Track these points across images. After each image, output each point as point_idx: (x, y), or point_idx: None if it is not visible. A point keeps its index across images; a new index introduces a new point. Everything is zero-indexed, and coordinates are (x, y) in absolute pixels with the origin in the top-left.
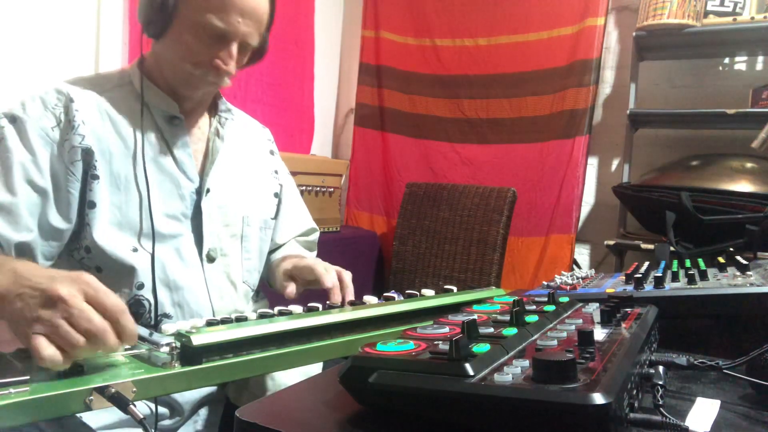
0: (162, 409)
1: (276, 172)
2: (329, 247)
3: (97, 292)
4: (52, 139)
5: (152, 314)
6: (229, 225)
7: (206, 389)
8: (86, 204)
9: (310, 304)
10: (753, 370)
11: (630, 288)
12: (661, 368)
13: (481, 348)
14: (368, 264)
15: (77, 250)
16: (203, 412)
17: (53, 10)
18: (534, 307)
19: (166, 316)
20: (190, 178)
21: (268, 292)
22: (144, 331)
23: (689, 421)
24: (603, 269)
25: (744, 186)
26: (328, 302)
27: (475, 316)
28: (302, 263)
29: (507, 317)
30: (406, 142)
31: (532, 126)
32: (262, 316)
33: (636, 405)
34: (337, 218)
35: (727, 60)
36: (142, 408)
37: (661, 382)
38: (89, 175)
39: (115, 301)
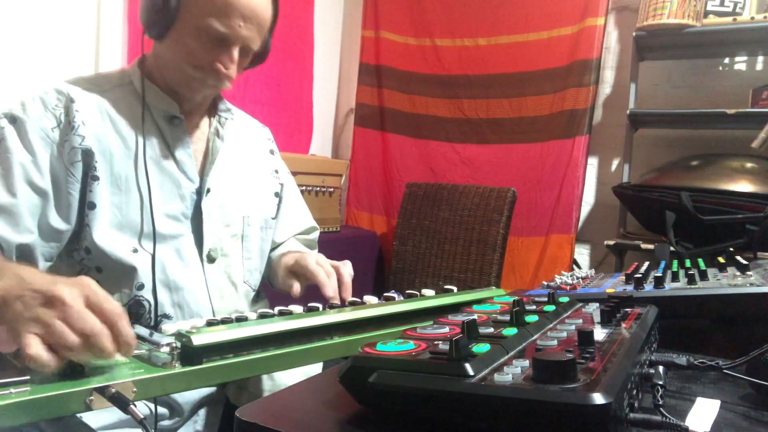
0: (162, 410)
1: (276, 171)
2: (329, 247)
3: (97, 296)
4: (52, 140)
5: (152, 315)
6: (229, 225)
7: (206, 389)
8: (86, 205)
9: (310, 304)
10: (753, 370)
11: (630, 288)
12: (661, 368)
13: (481, 348)
14: (368, 264)
15: (77, 251)
16: (203, 412)
17: (53, 10)
18: (534, 307)
19: (166, 316)
20: (191, 178)
21: (268, 292)
22: (144, 331)
23: (689, 421)
24: (603, 269)
25: (744, 186)
26: (328, 303)
27: (475, 316)
28: (303, 262)
29: (507, 317)
30: (406, 142)
31: (532, 126)
32: (262, 316)
33: (636, 405)
34: (337, 218)
35: (727, 60)
36: (142, 408)
37: (661, 382)
38: (89, 176)
39: (114, 305)
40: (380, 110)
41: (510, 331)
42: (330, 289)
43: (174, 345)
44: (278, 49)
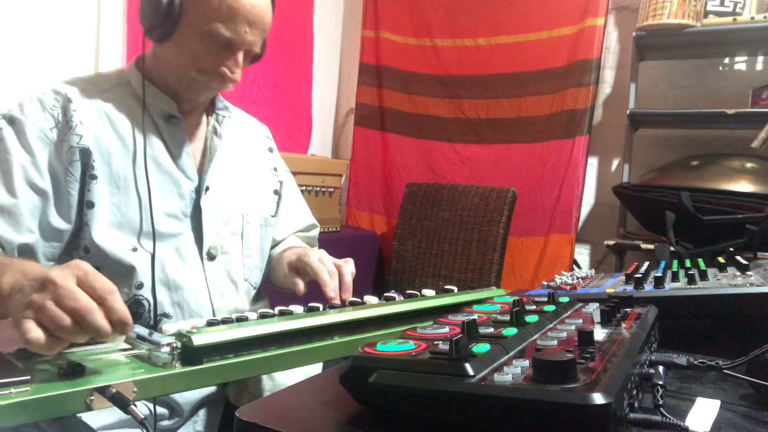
0: (162, 410)
1: (275, 169)
2: (329, 247)
3: (87, 275)
4: (51, 140)
5: (152, 314)
6: (229, 223)
7: (206, 389)
8: (85, 204)
9: (310, 304)
10: (753, 370)
11: (630, 288)
12: (661, 368)
13: (481, 348)
14: (368, 264)
15: (76, 250)
16: (203, 412)
17: (53, 10)
18: (534, 307)
19: (166, 315)
20: (189, 176)
21: (268, 291)
22: (143, 331)
23: (689, 421)
24: (603, 269)
25: (744, 186)
26: (328, 303)
27: (475, 316)
28: (305, 258)
29: (507, 317)
30: (406, 142)
31: (532, 126)
32: (262, 316)
33: (636, 405)
34: (337, 218)
35: (727, 60)
36: (142, 408)
37: (661, 382)
38: (87, 175)
39: (104, 282)
40: (380, 110)
41: (510, 331)
42: (331, 290)
43: (174, 345)
44: (277, 49)
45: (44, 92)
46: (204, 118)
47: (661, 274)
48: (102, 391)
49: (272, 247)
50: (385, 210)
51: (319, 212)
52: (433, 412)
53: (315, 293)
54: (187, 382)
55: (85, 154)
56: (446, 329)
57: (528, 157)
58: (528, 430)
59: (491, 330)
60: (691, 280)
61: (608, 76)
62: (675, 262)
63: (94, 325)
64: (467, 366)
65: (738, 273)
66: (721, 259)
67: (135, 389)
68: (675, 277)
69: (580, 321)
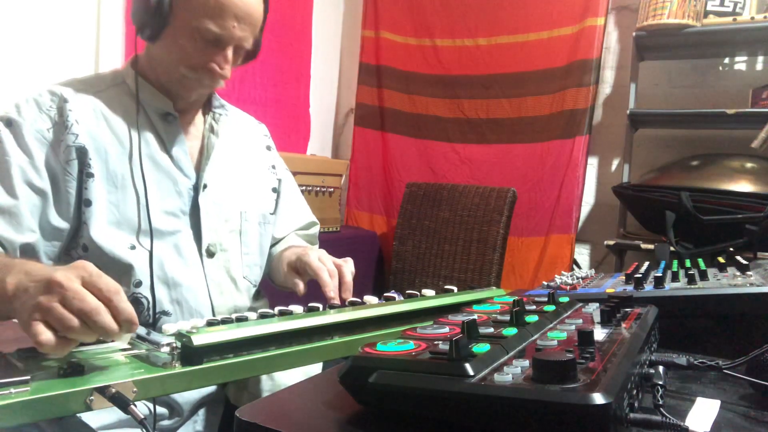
0: (162, 409)
1: (273, 167)
2: (329, 247)
3: (92, 275)
4: (48, 140)
5: (151, 312)
6: (227, 220)
7: (206, 389)
8: (82, 202)
9: (310, 304)
10: (753, 370)
11: (630, 288)
12: (661, 368)
13: (481, 348)
14: (368, 264)
15: (75, 249)
16: (203, 412)
17: (53, 10)
18: (534, 307)
19: (165, 313)
20: (187, 174)
21: (268, 291)
22: (142, 331)
23: (689, 421)
24: (603, 269)
25: (744, 186)
26: (328, 303)
27: (475, 316)
28: (305, 258)
29: (507, 317)
30: (406, 142)
31: (532, 126)
32: (262, 316)
33: (636, 405)
34: (337, 218)
35: (727, 60)
36: (142, 408)
37: (661, 382)
38: (84, 174)
39: (109, 282)
40: (380, 110)
41: (510, 331)
42: (331, 290)
43: (174, 345)
44: (275, 49)
45: (40, 93)
46: (201, 117)
47: (661, 274)
48: (102, 391)
49: (272, 246)
50: (385, 210)
51: (319, 212)
52: (433, 412)
53: (315, 293)
54: (187, 382)
55: (82, 153)
56: (446, 329)
57: (528, 157)
58: (528, 430)
59: (491, 330)
60: (691, 280)
61: (608, 76)
62: (675, 262)
63: (102, 325)
64: (467, 366)
65: (738, 273)
66: (721, 259)
67: (135, 389)
68: (675, 277)
69: (580, 321)
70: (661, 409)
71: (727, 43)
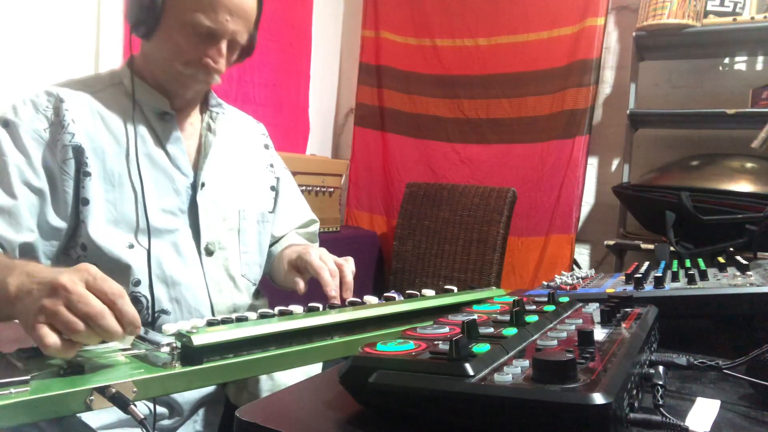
0: (162, 409)
1: (271, 165)
2: (329, 248)
3: (96, 279)
4: (45, 140)
5: (150, 310)
6: (225, 219)
7: (206, 389)
8: (80, 201)
9: (310, 304)
10: (753, 370)
11: (630, 288)
12: (661, 368)
13: (481, 348)
14: (368, 264)
15: (74, 248)
16: (203, 412)
17: (53, 10)
18: (534, 307)
19: (164, 312)
20: (185, 173)
21: (267, 290)
22: (141, 331)
23: (689, 421)
24: (603, 269)
25: (744, 186)
26: (328, 303)
27: (475, 316)
28: (306, 257)
29: (507, 317)
30: (406, 142)
31: (532, 126)
32: (262, 316)
33: (636, 405)
34: (337, 218)
35: (727, 60)
36: (141, 408)
37: (661, 382)
38: (81, 173)
39: (113, 285)
40: (380, 110)
41: (510, 331)
42: (332, 289)
43: (174, 345)
44: (275, 49)
45: (37, 94)
46: (198, 116)
47: (661, 274)
48: (102, 391)
49: (272, 244)
50: (385, 210)
51: (319, 212)
52: (433, 412)
53: (316, 292)
54: (187, 382)
55: (78, 152)
56: (446, 329)
57: (528, 157)
58: (528, 430)
59: (491, 330)
60: (691, 280)
61: (608, 76)
62: (675, 262)
63: (107, 328)
64: (467, 366)
65: (738, 273)
66: (721, 259)
67: (135, 389)
68: (675, 277)
69: (580, 321)
70: (661, 409)
71: (727, 43)
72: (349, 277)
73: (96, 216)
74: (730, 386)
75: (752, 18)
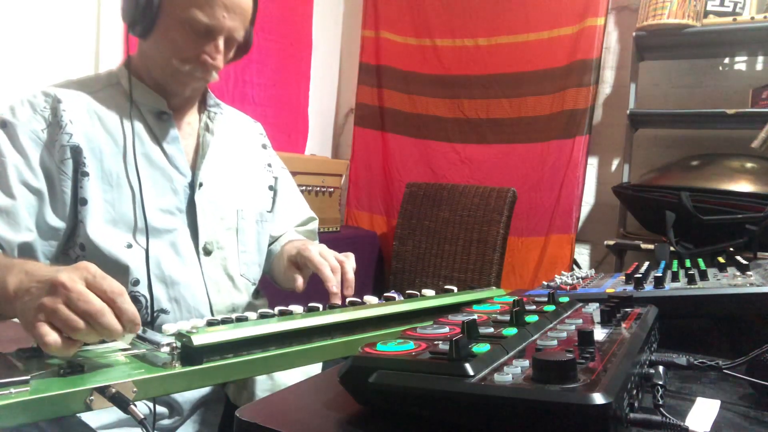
0: (162, 409)
1: (269, 165)
2: (329, 247)
3: (95, 276)
4: (42, 141)
5: (149, 310)
6: (223, 218)
7: (206, 389)
8: (78, 201)
9: (310, 304)
10: (753, 370)
11: (630, 288)
12: (661, 368)
13: (481, 348)
14: (368, 264)
15: (72, 249)
16: (203, 411)
17: (53, 10)
18: (534, 307)
19: (163, 311)
20: (182, 172)
21: (268, 291)
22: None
23: (689, 421)
24: (603, 269)
25: (744, 186)
26: (328, 303)
27: (475, 316)
28: (306, 253)
29: (507, 317)
30: (406, 142)
31: (532, 126)
32: (262, 316)
33: (636, 405)
34: (337, 218)
35: (727, 60)
36: (141, 407)
37: (661, 382)
38: (79, 173)
39: (113, 283)
40: (380, 110)
41: (510, 331)
42: (334, 285)
43: (174, 345)
44: (275, 49)
45: (35, 95)
46: (196, 115)
47: (661, 274)
48: (102, 391)
49: (271, 243)
50: (385, 210)
51: (319, 212)
52: (433, 412)
53: (316, 290)
54: (187, 382)
55: (76, 152)
56: (446, 329)
57: (528, 157)
58: (528, 430)
59: (491, 330)
60: (691, 280)
61: (608, 76)
62: (675, 262)
63: (108, 326)
64: (467, 366)
65: (738, 273)
66: (721, 259)
67: (135, 389)
68: (675, 277)
69: (580, 321)
70: (661, 409)
71: (727, 43)
72: (350, 274)
73: (94, 216)
74: (730, 386)
75: (752, 18)
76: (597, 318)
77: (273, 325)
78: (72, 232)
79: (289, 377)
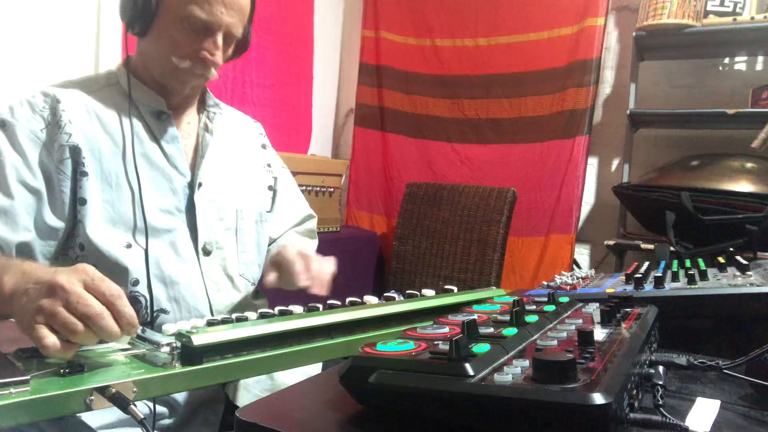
0: (162, 409)
1: (269, 165)
2: (329, 247)
3: (94, 279)
4: (41, 141)
5: (148, 310)
6: (223, 218)
7: (206, 389)
8: (77, 201)
9: (310, 304)
10: (753, 370)
11: (630, 288)
12: (661, 368)
13: (481, 348)
14: (368, 264)
15: (72, 249)
16: (203, 411)
17: (53, 10)
18: (534, 307)
19: (163, 311)
20: (182, 172)
21: (268, 291)
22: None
23: (689, 421)
24: (603, 269)
25: (744, 186)
26: (328, 303)
27: (475, 316)
28: (284, 252)
29: (507, 317)
30: (406, 142)
31: (532, 126)
32: (262, 316)
33: (636, 405)
34: (337, 218)
35: (727, 60)
36: (141, 408)
37: (661, 382)
38: (78, 173)
39: (112, 286)
40: (380, 110)
41: (510, 331)
42: (303, 279)
43: (174, 345)
44: (277, 49)
45: (33, 95)
46: (196, 115)
47: (661, 274)
48: (102, 391)
49: (269, 245)
50: (385, 210)
51: (319, 212)
52: (433, 412)
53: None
54: (187, 382)
55: (75, 152)
56: (446, 329)
57: (528, 157)
58: (528, 430)
59: (491, 330)
60: (691, 280)
61: (608, 76)
62: (675, 262)
63: (106, 329)
64: (467, 366)
65: (738, 273)
66: (721, 259)
67: (135, 389)
68: (675, 277)
69: (580, 321)
70: (661, 409)
71: (727, 43)
72: (325, 274)
73: (93, 216)
74: (730, 386)
75: (752, 18)
76: (597, 318)
77: (273, 325)
78: (71, 232)
79: (289, 377)
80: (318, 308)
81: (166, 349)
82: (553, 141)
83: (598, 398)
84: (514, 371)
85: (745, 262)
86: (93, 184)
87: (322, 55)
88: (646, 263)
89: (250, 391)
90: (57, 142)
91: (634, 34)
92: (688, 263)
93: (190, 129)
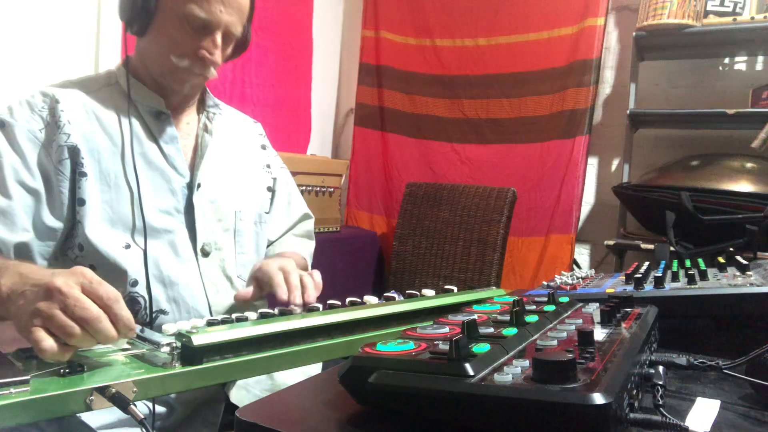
0: (162, 409)
1: (268, 166)
2: (329, 247)
3: (92, 282)
4: (40, 141)
5: (147, 311)
6: (221, 219)
7: (206, 389)
8: (76, 201)
9: (310, 305)
10: (753, 370)
11: (630, 288)
12: (661, 368)
13: (481, 348)
14: (368, 264)
15: (71, 249)
16: (203, 412)
17: (53, 10)
18: (534, 307)
19: (162, 312)
20: (181, 172)
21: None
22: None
23: (689, 421)
24: (603, 269)
25: (744, 186)
26: (328, 303)
27: (475, 316)
28: (266, 267)
29: (507, 317)
30: (406, 142)
31: (532, 126)
32: (262, 316)
33: (636, 405)
34: (337, 218)
35: (727, 60)
36: (141, 408)
37: (661, 382)
38: (77, 173)
39: (109, 289)
40: (380, 110)
41: (510, 331)
42: (282, 292)
43: (174, 345)
44: (276, 49)
45: (32, 95)
46: (195, 116)
47: (661, 274)
48: (102, 391)
49: (267, 247)
50: (385, 210)
51: (319, 212)
52: (433, 412)
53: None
54: (187, 382)
55: (74, 152)
56: (446, 329)
57: (528, 157)
58: (528, 430)
59: (491, 330)
60: (691, 280)
61: (608, 76)
62: (675, 262)
63: (103, 333)
64: (467, 366)
65: (738, 273)
66: (721, 259)
67: (135, 389)
68: (675, 277)
69: (580, 321)
70: (661, 409)
71: (727, 43)
72: (310, 288)
73: (92, 216)
74: (730, 386)
75: (752, 18)
76: (597, 318)
77: (273, 325)
78: (70, 232)
79: (289, 377)
80: (318, 308)
81: (166, 349)
82: (553, 141)
83: (598, 398)
84: (514, 371)
85: (745, 262)
86: (92, 185)
87: (321, 55)
88: (646, 263)
89: (250, 391)
90: (56, 142)
91: (634, 34)
92: (688, 263)
93: (189, 129)
